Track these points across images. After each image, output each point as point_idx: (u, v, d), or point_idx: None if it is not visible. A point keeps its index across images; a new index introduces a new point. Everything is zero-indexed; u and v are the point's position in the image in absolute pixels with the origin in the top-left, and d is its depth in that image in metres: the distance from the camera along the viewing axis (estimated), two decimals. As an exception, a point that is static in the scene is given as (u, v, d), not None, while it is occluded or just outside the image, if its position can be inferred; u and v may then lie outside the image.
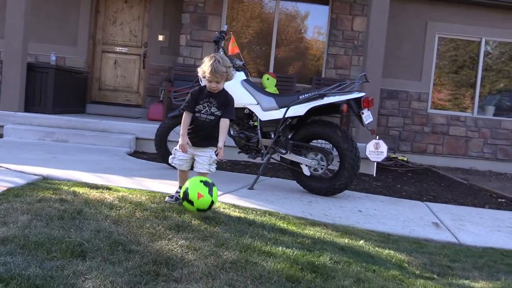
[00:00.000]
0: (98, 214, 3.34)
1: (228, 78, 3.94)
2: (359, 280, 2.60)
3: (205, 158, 3.97)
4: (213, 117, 3.96)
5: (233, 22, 10.24)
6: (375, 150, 7.59)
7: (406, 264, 3.14)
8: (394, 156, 9.94)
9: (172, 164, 4.16)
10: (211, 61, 3.82)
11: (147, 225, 3.20)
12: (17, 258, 2.44)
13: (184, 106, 4.00)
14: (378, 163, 7.83)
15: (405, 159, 9.91)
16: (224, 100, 4.00)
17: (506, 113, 10.89)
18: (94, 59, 10.61)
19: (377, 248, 3.42)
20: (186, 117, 3.98)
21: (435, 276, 2.99)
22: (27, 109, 8.25)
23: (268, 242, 3.11)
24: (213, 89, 3.92)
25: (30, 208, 3.33)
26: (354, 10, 10.06)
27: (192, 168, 4.11)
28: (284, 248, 3.02)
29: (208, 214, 3.66)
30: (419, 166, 9.51)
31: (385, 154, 7.59)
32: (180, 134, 3.97)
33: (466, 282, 2.92)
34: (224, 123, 3.96)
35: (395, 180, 7.59)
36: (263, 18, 10.37)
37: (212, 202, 3.59)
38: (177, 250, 2.80)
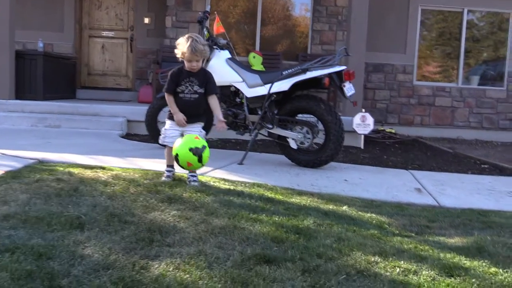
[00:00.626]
0: (93, 191, 3.51)
1: (205, 56, 4.16)
2: (339, 239, 2.80)
3: (194, 133, 4.07)
4: (197, 95, 4.14)
5: (220, 1, 10.31)
6: (362, 123, 7.76)
7: (386, 225, 3.34)
8: (382, 128, 10.14)
9: (163, 143, 4.26)
10: (189, 41, 3.96)
11: (141, 199, 3.38)
12: (20, 231, 2.61)
13: (166, 89, 4.17)
14: (366, 135, 8.01)
15: (393, 131, 10.11)
16: (203, 77, 4.17)
17: (490, 82, 11.09)
18: (81, 44, 10.68)
19: (359, 212, 3.61)
20: (169, 98, 4.16)
21: (413, 234, 3.19)
22: (18, 97, 8.35)
23: (256, 210, 3.31)
24: (193, 68, 4.07)
25: (29, 188, 3.50)
26: (337, -15, 10.15)
27: None
28: (270, 215, 3.21)
29: (199, 187, 3.84)
30: (406, 137, 9.73)
31: (371, 127, 7.76)
32: (173, 112, 4.14)
33: (442, 238, 3.12)
34: (214, 100, 4.22)
35: (382, 151, 7.78)
36: (247, -4, 10.45)
37: (202, 165, 3.87)
38: (170, 219, 2.98)
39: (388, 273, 2.36)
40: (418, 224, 3.46)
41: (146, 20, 10.38)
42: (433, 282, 2.29)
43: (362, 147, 7.89)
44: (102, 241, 2.53)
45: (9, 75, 8.15)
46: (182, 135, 4.14)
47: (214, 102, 4.22)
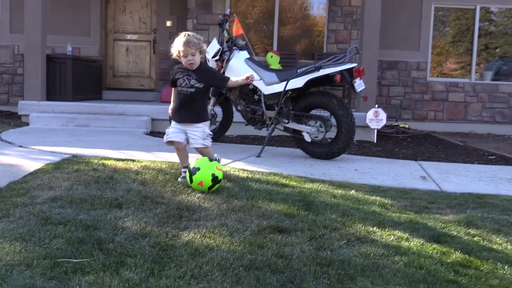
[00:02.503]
0: (126, 179, 3.95)
1: (202, 51, 4.01)
2: (344, 214, 3.19)
3: (197, 132, 4.06)
4: (193, 89, 4.03)
5: (238, 3, 10.73)
6: (375, 118, 8.09)
7: (388, 206, 3.71)
8: (396, 124, 10.46)
9: (166, 140, 4.19)
10: (182, 36, 3.96)
11: (169, 185, 3.81)
12: (68, 209, 3.06)
13: (171, 84, 4.20)
14: (379, 130, 8.35)
15: (407, 126, 10.42)
16: (204, 73, 4.09)
17: (503, 78, 11.30)
18: (107, 47, 11.18)
19: (365, 195, 3.99)
20: (172, 91, 4.21)
21: (411, 213, 3.56)
22: (49, 98, 8.86)
23: (271, 193, 3.71)
24: (190, 63, 3.97)
25: (69, 176, 3.95)
26: (351, -15, 10.49)
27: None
28: (284, 196, 3.61)
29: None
30: (419, 132, 10.03)
31: (384, 121, 8.09)
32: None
33: (437, 216, 3.48)
34: (230, 84, 4.36)
35: (395, 145, 8.11)
36: (265, -2, 10.86)
37: (206, 191, 3.66)
38: (195, 200, 3.41)
39: (383, 240, 2.74)
40: (418, 205, 3.83)
41: (168, 23, 10.85)
42: (421, 246, 2.67)
43: (375, 141, 8.22)
44: (138, 217, 2.96)
45: (41, 78, 8.67)
46: (185, 133, 4.10)
47: (233, 83, 4.37)
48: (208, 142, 4.15)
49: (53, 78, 9.00)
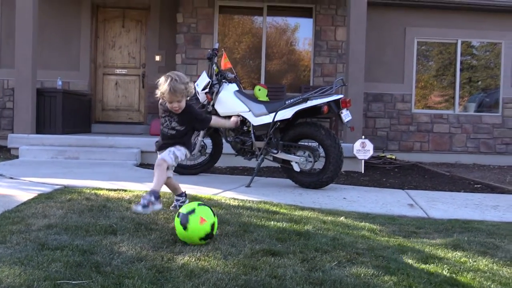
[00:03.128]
0: (119, 207, 4.01)
1: (188, 94, 3.83)
2: (334, 239, 3.27)
3: (171, 148, 3.96)
4: (174, 132, 3.97)
5: (225, 38, 10.97)
6: (362, 149, 8.24)
7: (377, 231, 3.80)
8: (383, 155, 10.64)
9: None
10: (168, 81, 3.70)
11: (162, 212, 3.87)
12: (63, 236, 3.10)
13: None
14: (367, 161, 8.49)
15: (394, 157, 10.61)
16: (186, 116, 3.96)
17: (486, 109, 11.59)
18: (96, 81, 11.32)
19: (354, 222, 4.07)
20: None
21: (400, 237, 3.64)
22: (38, 131, 8.91)
23: (262, 219, 3.79)
24: (175, 109, 3.85)
25: (63, 205, 4.00)
26: (336, 21, 10.80)
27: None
28: (275, 222, 3.69)
29: (211, 203, 4.32)
30: (406, 163, 10.20)
31: (371, 152, 8.23)
32: None
33: (425, 240, 3.57)
34: (214, 123, 4.47)
35: (382, 175, 8.25)
36: (252, 33, 11.11)
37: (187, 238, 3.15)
38: (188, 227, 3.47)
39: (373, 261, 2.82)
40: (406, 230, 3.92)
41: (157, 58, 11.04)
42: (410, 266, 2.75)
43: (362, 171, 8.36)
44: (133, 242, 3.02)
45: (31, 111, 8.73)
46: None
47: (217, 123, 4.61)
48: (170, 159, 3.85)
49: (43, 111, 9.08)
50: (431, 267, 2.78)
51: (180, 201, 4.12)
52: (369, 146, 8.20)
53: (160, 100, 3.96)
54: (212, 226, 3.15)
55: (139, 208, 3.43)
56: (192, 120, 4.01)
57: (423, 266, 2.80)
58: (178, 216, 3.18)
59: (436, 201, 5.52)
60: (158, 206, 3.53)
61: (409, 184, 7.16)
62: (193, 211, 3.16)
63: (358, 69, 8.83)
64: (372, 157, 8.50)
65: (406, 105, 11.35)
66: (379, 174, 8.35)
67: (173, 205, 4.15)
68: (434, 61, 11.73)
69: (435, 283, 2.52)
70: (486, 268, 2.86)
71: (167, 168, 3.87)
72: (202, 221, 3.10)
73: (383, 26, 11.11)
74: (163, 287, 2.31)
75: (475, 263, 2.91)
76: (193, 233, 3.07)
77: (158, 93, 3.81)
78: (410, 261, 2.88)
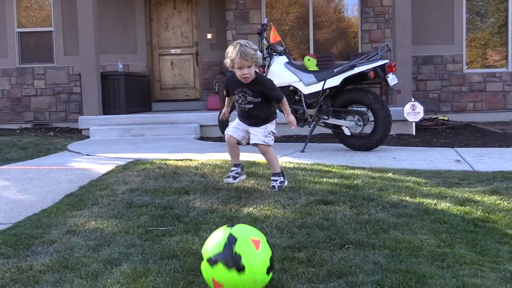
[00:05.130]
0: (188, 173, 4.53)
1: (257, 63, 3.76)
2: (380, 189, 3.66)
3: (260, 129, 3.91)
4: (252, 105, 3.86)
5: (273, 10, 11.29)
6: (412, 111, 8.45)
7: (422, 183, 4.14)
8: (435, 117, 10.75)
9: (226, 134, 4.08)
10: (238, 47, 3.66)
11: (226, 175, 4.35)
12: (145, 197, 3.64)
13: (225, 94, 4.16)
14: (419, 124, 8.69)
15: (446, 118, 10.70)
16: (259, 87, 3.84)
17: (540, 64, 11.44)
18: (153, 62, 11.94)
19: (401, 176, 4.42)
20: (226, 100, 4.25)
21: (442, 187, 3.98)
22: (105, 112, 9.62)
23: (316, 177, 4.22)
24: (245, 77, 3.72)
25: (139, 173, 4.56)
26: (382, -14, 10.90)
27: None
28: (328, 179, 4.11)
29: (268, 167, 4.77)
30: (459, 123, 10.30)
31: (421, 114, 8.42)
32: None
33: (466, 188, 3.90)
34: (283, 105, 4.00)
35: (433, 136, 8.44)
36: (299, 4, 11.38)
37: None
38: (250, 186, 3.95)
39: (414, 205, 3.20)
40: (450, 182, 4.23)
41: (209, 36, 11.51)
42: (448, 209, 3.11)
43: (414, 133, 8.57)
44: (204, 199, 3.52)
45: (97, 94, 9.43)
46: (247, 131, 3.99)
47: (283, 107, 4.02)
48: (270, 141, 3.92)
49: (107, 93, 9.76)
50: (466, 209, 3.13)
51: (235, 171, 4.05)
52: (419, 108, 8.40)
53: (227, 76, 3.95)
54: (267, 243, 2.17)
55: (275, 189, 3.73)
56: (267, 90, 3.84)
57: (459, 207, 3.15)
58: (214, 263, 2.03)
59: (483, 156, 5.75)
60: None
61: (459, 143, 7.35)
62: (233, 239, 2.06)
63: (405, 33, 8.98)
64: (424, 119, 8.69)
65: (457, 66, 11.35)
66: (430, 135, 8.55)
67: (229, 175, 4.05)
68: (484, 19, 11.63)
69: (467, 220, 2.88)
70: (519, 208, 3.18)
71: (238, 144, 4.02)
72: (256, 244, 2.08)
73: (430, -13, 11.11)
74: (233, 230, 2.78)
75: (508, 204, 3.23)
76: (256, 268, 2.03)
77: (227, 61, 3.75)
78: (448, 204, 3.24)
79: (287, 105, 4.02)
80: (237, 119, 4.08)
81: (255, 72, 3.82)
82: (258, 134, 3.89)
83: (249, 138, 3.96)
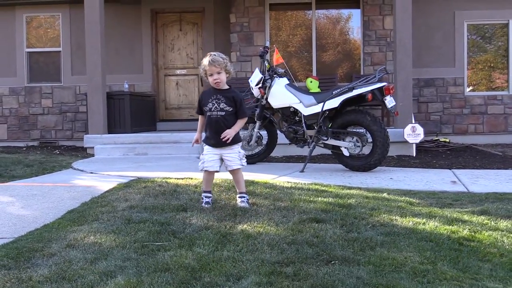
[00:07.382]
0: (188, 191, 4.65)
1: (227, 70, 4.04)
2: (372, 209, 3.77)
3: (234, 154, 4.13)
4: (224, 113, 4.05)
5: (279, 32, 11.51)
6: (412, 133, 8.55)
7: (415, 203, 4.23)
8: (436, 138, 10.86)
9: (202, 169, 4.22)
10: (208, 57, 4.04)
11: (224, 194, 4.49)
12: (144, 213, 3.76)
13: (196, 111, 4.38)
14: (419, 145, 8.80)
15: (447, 140, 10.80)
16: (232, 97, 4.08)
17: (541, 88, 11.55)
18: (158, 83, 12.14)
19: (395, 197, 4.52)
20: (200, 119, 4.40)
21: (434, 207, 4.07)
22: (110, 131, 9.77)
23: (311, 196, 4.33)
24: (216, 82, 4.01)
25: (140, 191, 4.68)
26: (383, 10, 11.11)
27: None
28: (323, 198, 4.22)
29: (266, 186, 4.89)
30: (460, 145, 10.38)
31: (422, 136, 8.53)
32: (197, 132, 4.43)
33: (457, 209, 3.99)
34: (240, 122, 4.13)
35: (433, 157, 8.53)
36: (302, 28, 11.59)
37: None
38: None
39: (403, 224, 3.30)
40: (443, 202, 4.33)
41: (214, 57, 11.70)
42: (436, 228, 3.21)
43: (414, 154, 8.67)
44: (201, 216, 3.63)
45: (103, 113, 9.60)
46: (221, 159, 4.18)
47: (240, 121, 4.14)
48: (244, 162, 4.20)
49: (112, 113, 9.93)
50: (453, 228, 3.23)
51: (211, 198, 4.20)
52: (419, 130, 8.51)
53: (202, 91, 4.23)
54: None
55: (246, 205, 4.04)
56: (239, 100, 4.11)
57: (447, 227, 3.25)
58: None
59: (479, 178, 5.84)
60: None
61: (458, 164, 7.43)
62: None
63: (406, 56, 9.13)
64: (425, 141, 8.80)
65: (458, 89, 11.49)
66: (430, 156, 8.64)
67: (204, 202, 4.13)
68: (485, 42, 11.79)
69: (453, 239, 2.98)
70: (505, 228, 3.27)
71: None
72: None
73: (431, 11, 11.29)
74: (226, 245, 2.89)
75: (495, 225, 3.33)
76: None
77: (201, 70, 4.13)
78: (436, 223, 3.33)
79: (242, 124, 4.18)
80: (206, 148, 4.26)
81: (230, 86, 4.18)
82: (234, 159, 4.16)
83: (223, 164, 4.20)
